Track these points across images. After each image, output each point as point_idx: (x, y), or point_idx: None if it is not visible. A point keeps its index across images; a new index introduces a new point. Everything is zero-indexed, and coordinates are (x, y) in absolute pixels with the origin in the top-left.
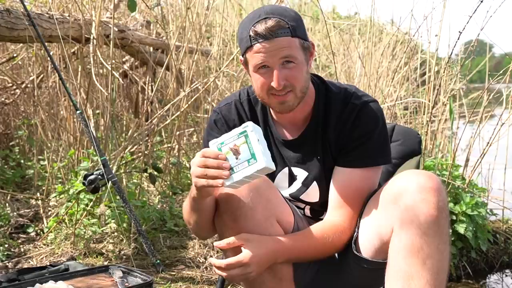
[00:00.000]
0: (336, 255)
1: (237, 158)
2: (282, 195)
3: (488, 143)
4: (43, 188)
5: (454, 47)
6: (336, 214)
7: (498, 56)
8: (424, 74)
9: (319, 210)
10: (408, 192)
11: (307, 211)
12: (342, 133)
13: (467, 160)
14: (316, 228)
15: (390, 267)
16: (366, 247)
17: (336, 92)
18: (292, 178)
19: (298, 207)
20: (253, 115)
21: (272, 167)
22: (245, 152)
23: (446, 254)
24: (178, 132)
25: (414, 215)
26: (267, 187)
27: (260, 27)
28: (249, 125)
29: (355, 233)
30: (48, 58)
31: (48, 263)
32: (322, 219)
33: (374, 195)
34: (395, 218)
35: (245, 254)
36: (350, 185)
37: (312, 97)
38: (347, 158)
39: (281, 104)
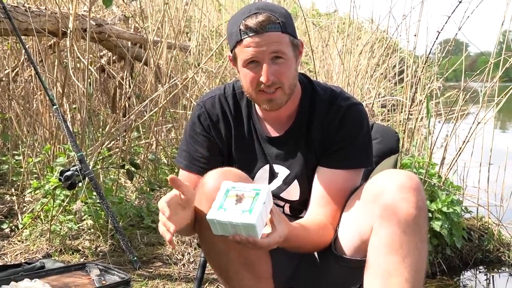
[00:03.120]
0: (316, 253)
1: (235, 204)
2: None
3: (464, 141)
4: (18, 183)
5: (433, 46)
6: (319, 212)
7: (473, 55)
8: (401, 72)
9: (298, 208)
10: (388, 191)
11: (287, 209)
12: (327, 134)
13: (443, 158)
14: (305, 220)
15: (369, 265)
16: (345, 246)
17: (322, 92)
18: (272, 175)
19: (278, 205)
20: (237, 110)
21: (257, 233)
22: (246, 204)
23: (424, 253)
24: (156, 128)
25: (393, 214)
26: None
27: (251, 21)
28: (267, 189)
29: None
30: (24, 51)
31: (23, 260)
32: (301, 217)
33: (353, 194)
34: (374, 217)
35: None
36: (332, 186)
37: (298, 96)
38: (330, 159)
39: (269, 101)
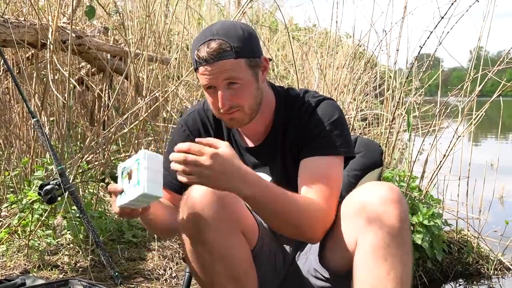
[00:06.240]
0: (301, 268)
1: (129, 182)
2: (247, 205)
3: (445, 155)
4: None
5: (415, 60)
6: (310, 196)
7: (447, 70)
8: (380, 86)
9: None
10: (370, 205)
11: None
12: (300, 130)
13: (424, 171)
14: (293, 193)
15: (354, 279)
16: (331, 259)
17: (296, 96)
18: None
19: None
20: (216, 122)
21: (157, 194)
22: (134, 178)
23: (408, 265)
24: (136, 141)
25: (377, 227)
26: (232, 197)
27: (203, 51)
28: (143, 153)
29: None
30: (2, 62)
31: (0, 277)
32: None
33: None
34: (358, 231)
35: (216, 149)
36: (316, 173)
37: (272, 106)
38: (307, 149)
39: (230, 120)
